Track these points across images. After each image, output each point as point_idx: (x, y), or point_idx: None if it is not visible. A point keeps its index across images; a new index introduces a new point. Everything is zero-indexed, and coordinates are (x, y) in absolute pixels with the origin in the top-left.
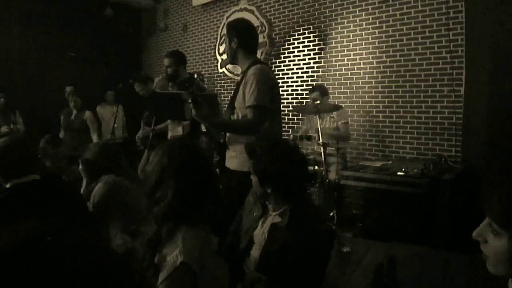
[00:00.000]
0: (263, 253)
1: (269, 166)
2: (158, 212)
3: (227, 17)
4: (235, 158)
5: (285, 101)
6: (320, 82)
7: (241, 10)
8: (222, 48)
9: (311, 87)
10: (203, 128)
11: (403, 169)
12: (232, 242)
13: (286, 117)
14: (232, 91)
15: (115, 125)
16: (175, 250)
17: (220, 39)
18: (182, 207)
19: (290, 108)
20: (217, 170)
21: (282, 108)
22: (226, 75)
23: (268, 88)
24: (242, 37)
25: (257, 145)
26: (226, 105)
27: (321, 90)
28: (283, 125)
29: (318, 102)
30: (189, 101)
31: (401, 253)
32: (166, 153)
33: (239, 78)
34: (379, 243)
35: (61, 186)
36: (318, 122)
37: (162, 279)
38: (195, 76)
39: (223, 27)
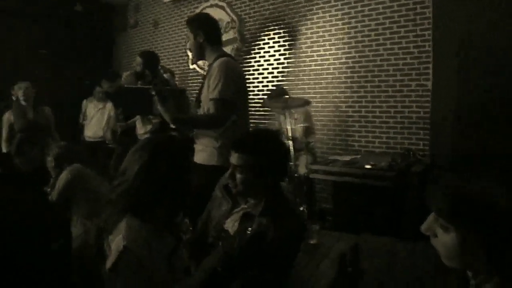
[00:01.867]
0: (233, 241)
1: (273, 159)
2: (113, 199)
3: (199, 13)
4: (202, 152)
5: (256, 97)
6: (290, 78)
7: (211, 6)
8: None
9: (272, 91)
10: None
11: (372, 163)
12: (200, 237)
13: (256, 114)
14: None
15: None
16: (119, 235)
17: None
18: (136, 198)
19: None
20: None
21: (253, 104)
22: (197, 71)
23: (233, 81)
24: (208, 31)
25: (247, 137)
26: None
27: (284, 93)
28: (253, 121)
29: (287, 97)
30: (153, 93)
31: (369, 244)
32: (146, 146)
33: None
34: (347, 235)
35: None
36: (287, 117)
37: (108, 265)
38: (159, 69)
39: None
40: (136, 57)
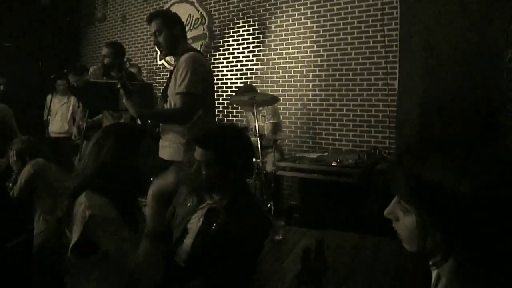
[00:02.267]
0: (197, 237)
1: (238, 154)
2: (73, 186)
3: (167, 9)
4: (168, 148)
5: (224, 94)
6: (259, 75)
7: (181, 1)
8: None
9: (240, 88)
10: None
11: (338, 160)
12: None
13: (225, 110)
14: None
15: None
16: (80, 208)
17: None
18: (98, 179)
19: (229, 101)
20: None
21: (221, 101)
22: (165, 67)
23: (200, 75)
24: (182, 25)
25: (212, 132)
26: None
27: (253, 90)
28: (221, 117)
29: (255, 93)
30: (118, 86)
31: (334, 240)
32: (96, 133)
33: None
34: (313, 231)
35: None
36: (255, 114)
37: (73, 241)
38: (126, 61)
39: None
40: (103, 48)
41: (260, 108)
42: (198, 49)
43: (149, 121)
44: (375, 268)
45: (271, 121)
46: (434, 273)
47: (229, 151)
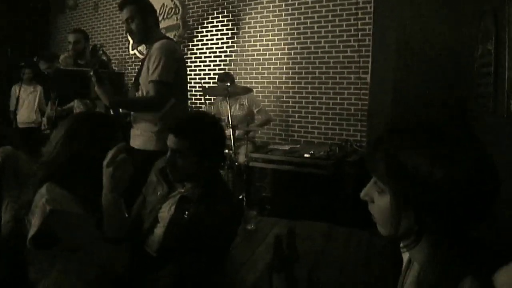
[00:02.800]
0: (169, 226)
1: (212, 142)
2: (40, 174)
3: None
4: (140, 137)
5: (197, 85)
6: (232, 67)
7: None
8: None
9: (219, 74)
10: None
11: (310, 152)
12: (134, 224)
13: (198, 102)
14: None
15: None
16: (40, 201)
17: None
18: (54, 167)
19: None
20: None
21: (194, 92)
22: (137, 57)
23: (173, 64)
24: (155, 14)
25: (186, 120)
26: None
27: (230, 79)
28: (196, 108)
29: (228, 84)
30: (91, 74)
31: (305, 229)
32: (67, 120)
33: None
34: (284, 220)
35: None
36: (228, 105)
37: (32, 233)
38: (98, 47)
39: None
40: (71, 35)
41: (237, 97)
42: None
43: (121, 110)
44: (345, 257)
45: (258, 109)
46: (405, 258)
47: (204, 139)
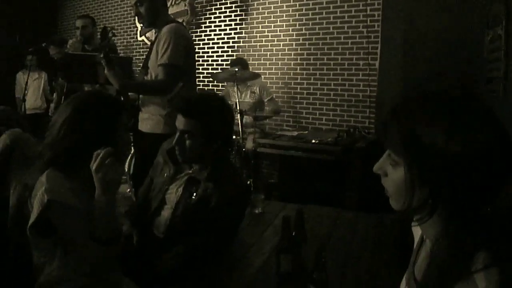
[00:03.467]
0: (177, 207)
1: (221, 122)
2: (46, 157)
3: None
4: (148, 120)
5: (205, 71)
6: (240, 53)
7: None
8: None
9: (231, 58)
10: None
11: (318, 138)
12: (141, 205)
13: (206, 88)
14: None
15: (27, 92)
16: (40, 189)
17: None
18: (58, 151)
19: (210, 79)
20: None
21: (202, 78)
22: (145, 43)
23: (182, 47)
24: None
25: (195, 101)
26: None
27: (242, 64)
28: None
29: (237, 69)
30: (101, 56)
31: (313, 213)
32: (72, 100)
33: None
34: (292, 204)
35: None
36: (236, 91)
37: (31, 221)
38: (109, 30)
39: None
40: (78, 20)
41: (249, 84)
42: None
43: (131, 93)
44: (353, 240)
45: (269, 98)
46: (416, 238)
47: (211, 120)
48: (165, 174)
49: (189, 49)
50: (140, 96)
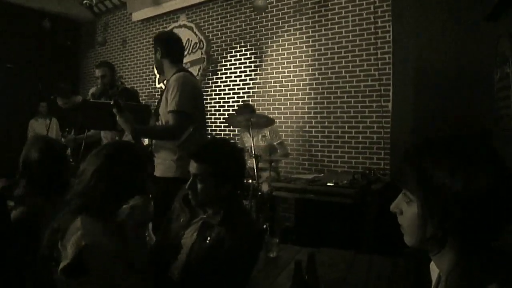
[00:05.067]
0: (192, 251)
1: (232, 166)
2: (77, 203)
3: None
4: (160, 165)
5: (221, 116)
6: (255, 98)
7: (180, 26)
8: None
9: (237, 104)
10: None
11: (333, 181)
12: (157, 249)
13: (222, 133)
14: None
15: None
16: (75, 234)
17: None
18: (90, 198)
19: (226, 124)
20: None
21: (218, 123)
22: (163, 90)
23: (190, 94)
24: (166, 47)
25: (206, 146)
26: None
27: (250, 109)
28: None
29: (251, 114)
30: (112, 103)
31: (328, 257)
32: (103, 150)
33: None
34: (307, 248)
35: None
36: (251, 136)
37: (65, 263)
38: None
39: None
40: (97, 70)
41: (264, 129)
42: (196, 73)
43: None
44: (367, 284)
45: (279, 141)
46: (434, 276)
47: (222, 163)
48: (181, 220)
49: (197, 95)
50: (153, 142)
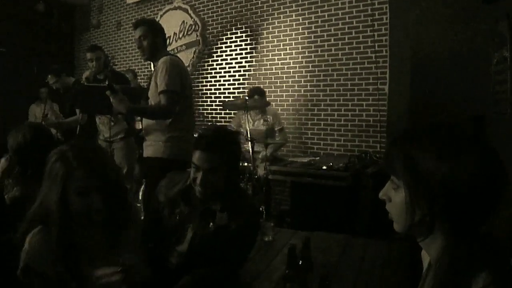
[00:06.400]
0: (194, 238)
1: (238, 153)
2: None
3: (161, 15)
4: (150, 147)
5: (217, 99)
6: (251, 81)
7: (175, 8)
8: None
9: (248, 87)
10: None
11: (329, 164)
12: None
13: (218, 116)
14: None
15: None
16: (24, 245)
17: None
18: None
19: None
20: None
21: (214, 106)
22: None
23: (177, 74)
24: (164, 35)
25: (214, 137)
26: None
27: (260, 93)
28: (215, 122)
29: (256, 98)
30: (105, 85)
31: (323, 241)
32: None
33: None
34: (302, 232)
35: None
36: (246, 119)
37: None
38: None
39: None
40: (90, 53)
41: (262, 111)
42: (192, 55)
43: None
44: (361, 268)
45: (279, 127)
46: (425, 263)
47: (231, 154)
48: (177, 217)
49: (183, 76)
50: (143, 125)
